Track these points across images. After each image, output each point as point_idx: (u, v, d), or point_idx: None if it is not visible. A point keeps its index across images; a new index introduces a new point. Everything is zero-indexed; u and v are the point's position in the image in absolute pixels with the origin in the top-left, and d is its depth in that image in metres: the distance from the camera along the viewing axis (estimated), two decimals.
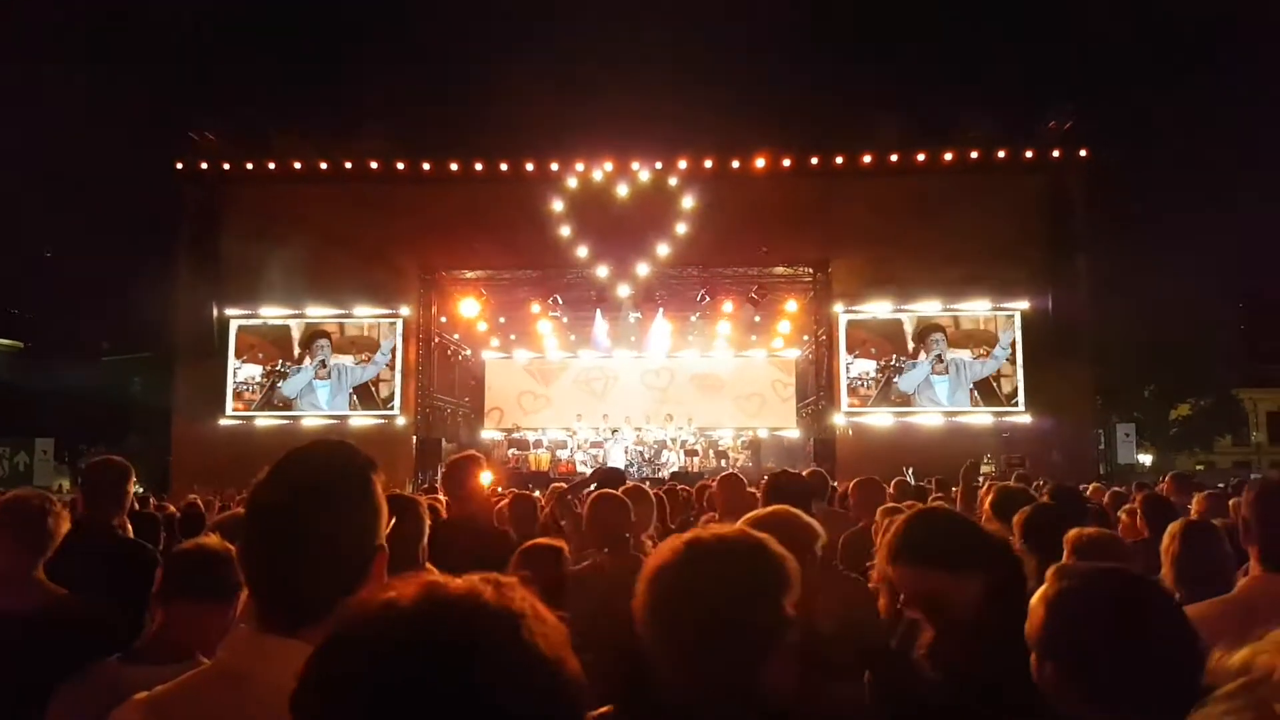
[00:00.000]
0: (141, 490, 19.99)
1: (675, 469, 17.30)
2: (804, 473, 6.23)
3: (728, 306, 18.85)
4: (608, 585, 3.20)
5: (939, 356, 18.13)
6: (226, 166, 18.37)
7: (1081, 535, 2.91)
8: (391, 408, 18.42)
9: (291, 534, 1.27)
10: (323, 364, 18.46)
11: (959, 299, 18.20)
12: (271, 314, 18.55)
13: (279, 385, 18.46)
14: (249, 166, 18.35)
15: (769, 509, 2.62)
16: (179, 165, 18.47)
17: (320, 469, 1.33)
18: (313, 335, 18.55)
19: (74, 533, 3.07)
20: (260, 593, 1.30)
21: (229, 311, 18.47)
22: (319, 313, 18.56)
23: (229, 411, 18.32)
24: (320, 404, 18.43)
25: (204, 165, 18.40)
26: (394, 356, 18.47)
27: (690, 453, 18.31)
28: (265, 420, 18.31)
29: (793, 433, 20.65)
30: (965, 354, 18.16)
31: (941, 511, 2.12)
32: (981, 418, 17.98)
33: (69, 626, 2.53)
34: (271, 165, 18.28)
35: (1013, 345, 18.14)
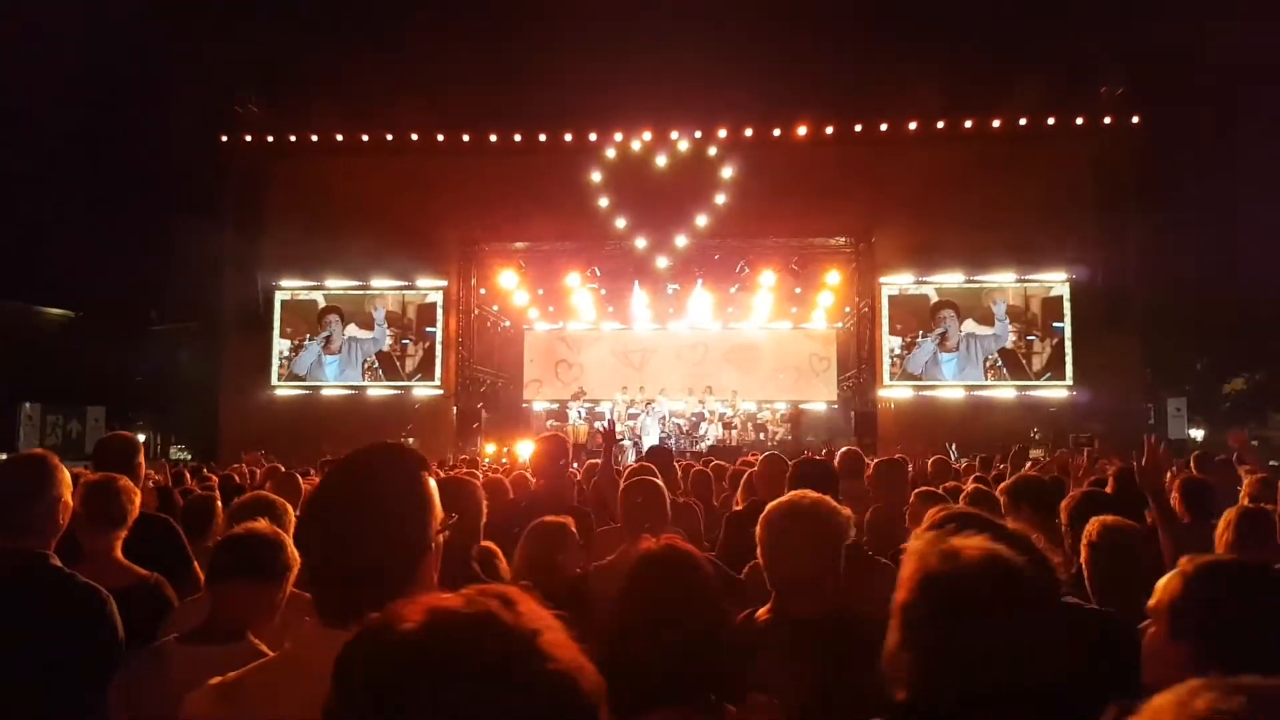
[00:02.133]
0: (190, 457, 20.49)
1: (712, 442, 17.28)
2: (840, 450, 6.15)
3: (767, 278, 18.66)
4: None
5: (944, 334, 17.84)
6: (270, 139, 18.57)
7: (1094, 525, 2.81)
8: (418, 380, 18.62)
9: (344, 534, 1.35)
10: (328, 339, 18.68)
11: (1005, 270, 17.86)
12: (312, 286, 18.80)
13: (293, 360, 18.75)
14: (292, 139, 18.52)
15: (796, 494, 2.56)
16: (224, 138, 18.70)
17: (371, 472, 1.41)
18: (324, 311, 18.77)
19: None
20: (320, 588, 1.39)
21: (274, 283, 18.77)
22: (353, 284, 18.76)
23: (274, 382, 18.66)
24: (326, 379, 18.68)
25: (248, 138, 18.61)
26: (397, 326, 18.64)
27: (728, 425, 18.26)
28: (309, 391, 18.62)
29: (830, 406, 20.50)
30: (979, 328, 17.85)
31: (964, 519, 2.01)
32: (1026, 393, 17.69)
33: (149, 606, 2.61)
34: (314, 138, 18.42)
35: (1028, 319, 17.83)
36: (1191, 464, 6.91)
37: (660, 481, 3.78)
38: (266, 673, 1.42)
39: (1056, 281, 17.89)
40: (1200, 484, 5.02)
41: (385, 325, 18.72)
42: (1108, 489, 4.57)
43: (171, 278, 20.75)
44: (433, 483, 1.44)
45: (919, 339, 17.95)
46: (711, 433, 17.99)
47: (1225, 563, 1.65)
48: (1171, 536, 3.24)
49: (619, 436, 17.87)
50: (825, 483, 3.35)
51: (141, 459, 3.80)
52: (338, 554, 1.35)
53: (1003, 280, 17.97)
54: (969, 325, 17.92)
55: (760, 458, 5.19)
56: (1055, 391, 17.64)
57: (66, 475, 2.58)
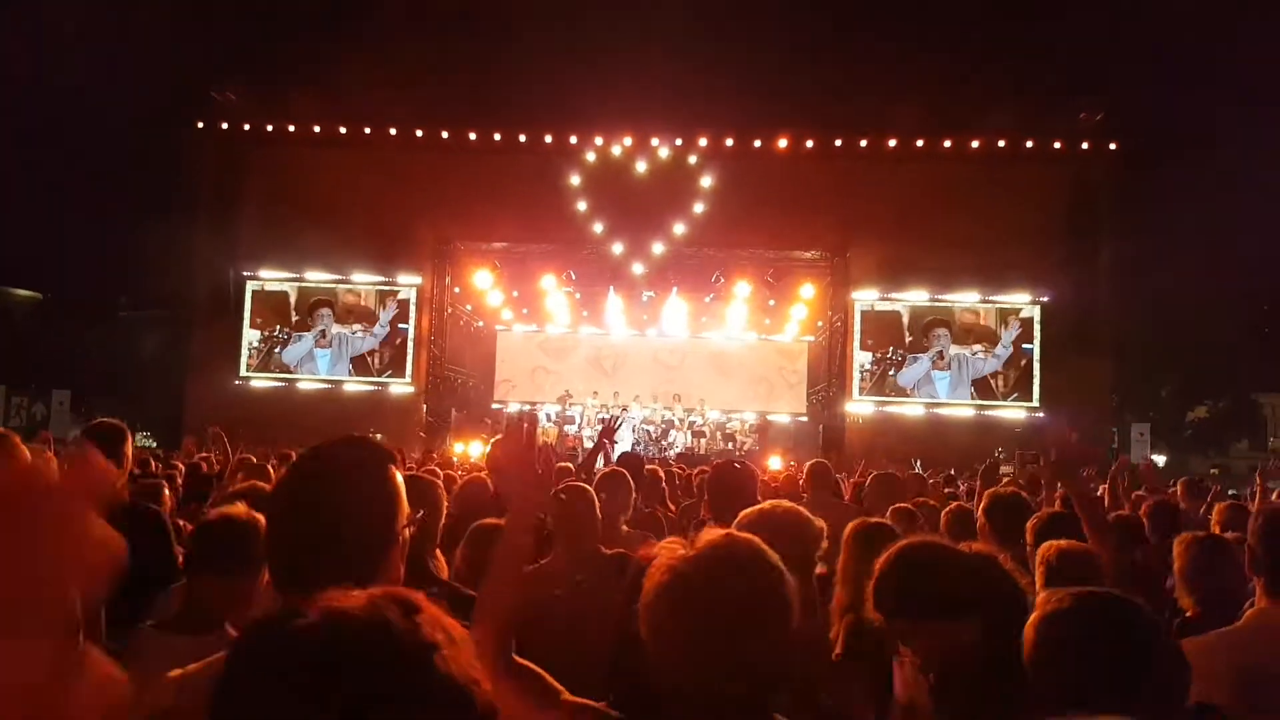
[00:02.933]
0: (155, 444, 20.20)
1: (681, 450, 17.29)
2: (808, 464, 6.15)
3: (742, 288, 18.71)
4: (563, 586, 3.14)
5: (940, 352, 18.01)
6: (247, 127, 18.38)
7: (1051, 550, 2.77)
8: (388, 376, 18.50)
9: (309, 526, 1.34)
10: (323, 333, 18.55)
11: (977, 290, 18.02)
12: (284, 277, 18.64)
13: (277, 351, 18.57)
14: (269, 128, 18.34)
15: (769, 504, 2.52)
16: (199, 124, 18.49)
17: (338, 464, 1.40)
18: (315, 304, 18.62)
19: None
20: (281, 579, 1.39)
21: (245, 273, 18.59)
22: (326, 278, 18.60)
23: (242, 372, 18.47)
24: (320, 373, 18.54)
25: (224, 125, 18.42)
26: (393, 327, 18.52)
27: (698, 434, 18.27)
28: (278, 383, 18.45)
29: (796, 419, 20.56)
30: (967, 350, 18.03)
31: (926, 550, 1.96)
32: (986, 413, 17.88)
33: None
34: (291, 128, 18.26)
35: (1015, 342, 17.99)
36: (1179, 489, 7.02)
37: (590, 489, 3.72)
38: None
39: (1026, 303, 18.07)
40: (1167, 505, 5.14)
41: (388, 325, 18.54)
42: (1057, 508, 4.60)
43: (142, 264, 20.49)
44: (400, 477, 1.43)
45: (900, 355, 18.04)
46: (680, 440, 18.00)
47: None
48: (1102, 543, 3.04)
49: (588, 439, 17.86)
50: (743, 497, 3.28)
51: (128, 447, 3.75)
52: (301, 547, 1.34)
53: (976, 300, 18.14)
54: (952, 347, 18.09)
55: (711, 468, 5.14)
56: (1018, 412, 17.82)
57: (27, 454, 2.55)
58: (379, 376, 18.52)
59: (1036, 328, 18.01)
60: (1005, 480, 7.40)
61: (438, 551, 3.16)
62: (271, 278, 18.67)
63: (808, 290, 18.96)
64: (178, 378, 19.49)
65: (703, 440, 18.19)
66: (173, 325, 20.71)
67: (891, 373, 18.08)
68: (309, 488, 1.38)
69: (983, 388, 18.04)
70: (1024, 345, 18.09)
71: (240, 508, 2.39)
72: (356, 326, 18.63)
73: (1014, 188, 17.24)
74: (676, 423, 18.48)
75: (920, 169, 17.50)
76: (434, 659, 0.76)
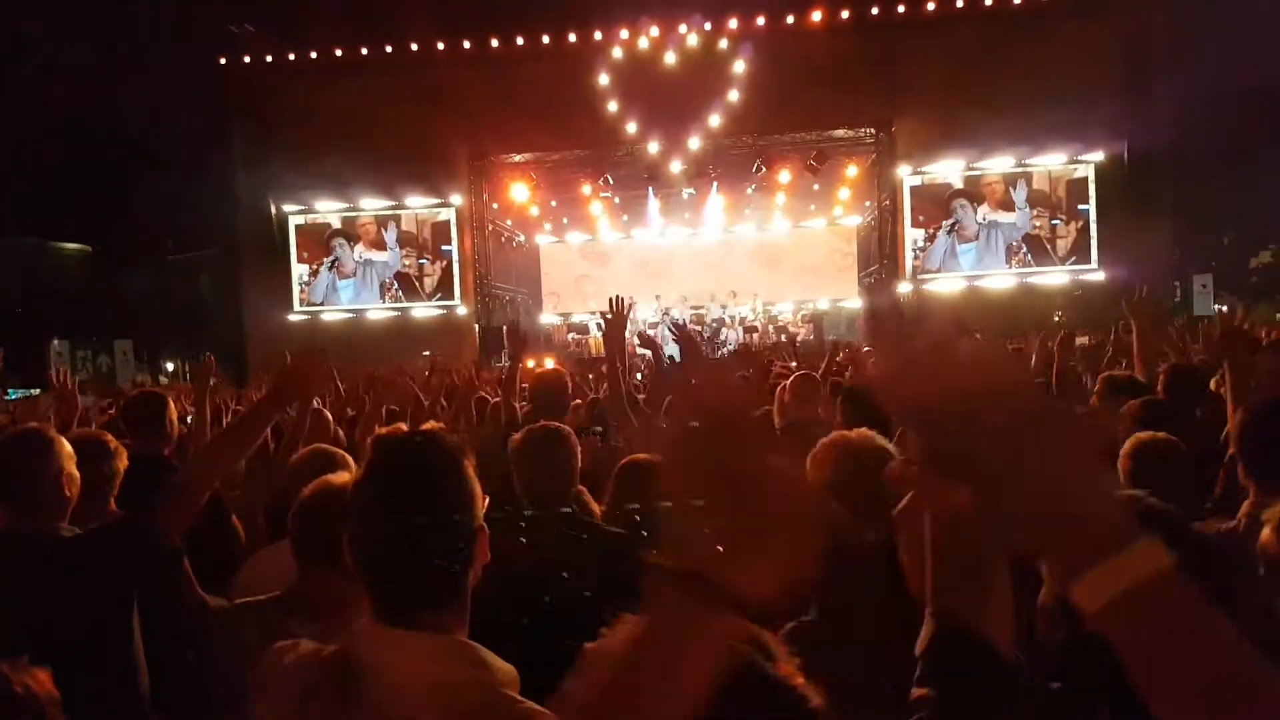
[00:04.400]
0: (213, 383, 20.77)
1: (734, 347, 17.28)
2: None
3: (785, 176, 18.26)
4: None
5: (956, 224, 17.55)
6: (269, 59, 18.09)
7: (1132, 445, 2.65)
8: (440, 299, 18.61)
9: (399, 527, 1.32)
10: (336, 263, 18.60)
11: (1030, 154, 17.38)
12: (324, 209, 18.65)
13: (311, 286, 18.75)
14: (291, 58, 18.02)
15: (852, 435, 2.23)
16: (222, 60, 18.25)
17: (416, 461, 1.36)
18: (330, 235, 18.62)
19: (128, 466, 2.95)
20: (374, 585, 1.35)
21: (285, 208, 18.64)
22: (371, 205, 18.57)
23: (296, 308, 18.74)
24: (342, 303, 18.67)
25: (247, 59, 18.16)
26: (404, 244, 18.42)
27: (750, 330, 18.22)
28: (340, 314, 18.71)
29: (836, 305, 20.30)
30: (1001, 215, 17.54)
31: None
32: (1050, 278, 17.53)
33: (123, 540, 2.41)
34: (313, 55, 17.92)
35: (1053, 203, 17.44)
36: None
37: None
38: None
39: (1082, 162, 17.45)
40: (1186, 371, 4.53)
41: (398, 246, 18.59)
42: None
43: (183, 206, 20.65)
44: (470, 469, 1.39)
45: (937, 232, 17.70)
46: (733, 338, 17.98)
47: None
48: None
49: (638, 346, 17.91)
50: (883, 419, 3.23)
51: (172, 413, 3.69)
52: (390, 560, 1.32)
53: (1030, 164, 17.52)
54: (993, 213, 17.60)
55: (792, 376, 5.00)
56: (1090, 275, 17.40)
57: (67, 446, 2.47)
58: (429, 300, 18.66)
59: (1092, 187, 17.43)
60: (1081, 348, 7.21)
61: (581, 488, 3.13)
62: (312, 210, 18.70)
63: (853, 171, 18.46)
64: (234, 317, 19.83)
65: (755, 335, 18.14)
66: (223, 265, 20.98)
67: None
68: (390, 488, 1.33)
69: (1037, 250, 17.63)
70: (1080, 206, 17.55)
71: (343, 478, 2.09)
72: (400, 251, 18.67)
73: (1064, 44, 16.36)
74: (728, 320, 18.42)
75: (963, 32, 16.65)
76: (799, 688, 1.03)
